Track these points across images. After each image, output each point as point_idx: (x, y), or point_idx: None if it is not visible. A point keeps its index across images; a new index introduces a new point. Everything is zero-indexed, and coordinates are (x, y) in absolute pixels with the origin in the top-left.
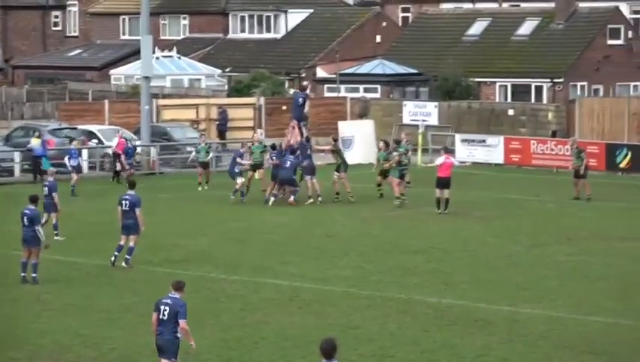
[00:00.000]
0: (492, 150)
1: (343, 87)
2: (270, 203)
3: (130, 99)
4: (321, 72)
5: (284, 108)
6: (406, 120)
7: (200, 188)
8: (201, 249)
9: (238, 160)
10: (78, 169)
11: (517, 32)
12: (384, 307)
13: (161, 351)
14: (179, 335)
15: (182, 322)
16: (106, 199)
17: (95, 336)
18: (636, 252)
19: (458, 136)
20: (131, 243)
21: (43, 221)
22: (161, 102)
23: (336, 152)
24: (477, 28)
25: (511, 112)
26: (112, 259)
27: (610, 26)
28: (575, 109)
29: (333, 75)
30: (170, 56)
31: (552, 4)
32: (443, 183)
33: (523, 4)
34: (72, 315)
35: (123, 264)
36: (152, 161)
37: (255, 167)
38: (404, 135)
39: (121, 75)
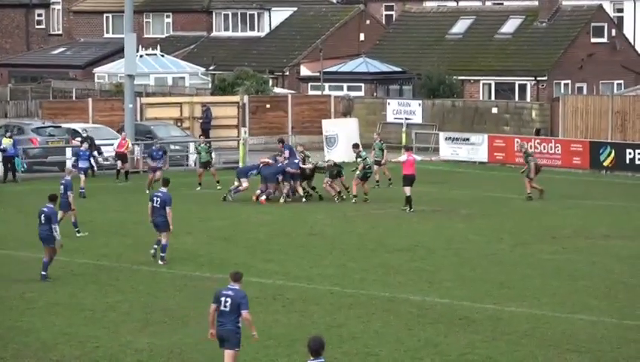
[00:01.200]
0: (476, 148)
1: (326, 85)
2: (262, 198)
3: (113, 97)
4: (304, 70)
5: (268, 106)
6: (390, 118)
7: (199, 188)
8: (186, 247)
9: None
10: (86, 171)
11: (500, 30)
12: (368, 305)
13: (223, 341)
14: (240, 326)
15: (244, 313)
16: (89, 198)
17: (79, 335)
18: (620, 250)
19: (442, 135)
20: (163, 241)
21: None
22: (145, 100)
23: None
24: (460, 26)
25: (495, 110)
26: (152, 251)
27: (593, 24)
28: (559, 107)
29: (317, 73)
30: (154, 55)
31: (536, 3)
32: (410, 180)
33: (506, 3)
34: (56, 314)
35: (159, 262)
36: (136, 160)
37: None
38: (376, 135)
39: (105, 73)
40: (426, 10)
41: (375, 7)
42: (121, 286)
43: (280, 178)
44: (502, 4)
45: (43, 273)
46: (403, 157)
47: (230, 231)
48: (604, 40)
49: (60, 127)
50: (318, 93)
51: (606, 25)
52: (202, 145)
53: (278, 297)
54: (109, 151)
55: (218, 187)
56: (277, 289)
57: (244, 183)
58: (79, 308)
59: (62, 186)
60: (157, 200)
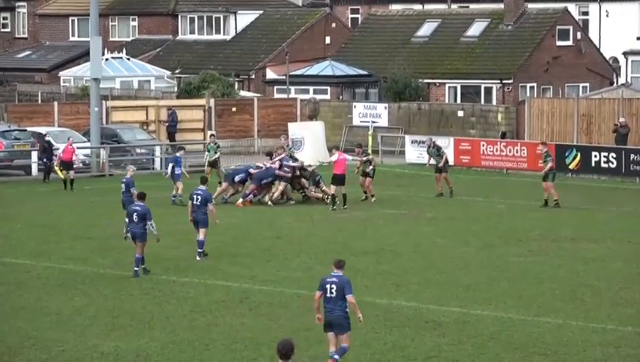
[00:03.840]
0: None
1: (292, 88)
2: (239, 201)
3: (79, 100)
4: (270, 74)
5: (234, 109)
6: (356, 121)
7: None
8: (152, 251)
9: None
10: (180, 177)
11: (466, 33)
12: None
13: (332, 326)
14: (347, 310)
15: (349, 297)
16: (54, 201)
17: (45, 339)
18: (585, 253)
19: (408, 138)
20: (201, 236)
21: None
22: (111, 103)
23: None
24: (426, 29)
25: (460, 113)
26: (199, 253)
27: (559, 27)
28: (524, 110)
29: (283, 77)
30: (120, 58)
31: (501, 6)
32: (339, 179)
33: (472, 6)
34: (23, 318)
35: (197, 257)
36: (101, 163)
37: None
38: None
39: (71, 76)
40: (391, 14)
41: (341, 11)
42: (87, 289)
43: (264, 182)
44: (467, 7)
45: (135, 269)
46: (334, 156)
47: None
48: (570, 43)
49: (25, 130)
50: (284, 96)
51: (571, 28)
52: (211, 144)
53: (245, 300)
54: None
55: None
56: (243, 292)
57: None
58: (45, 311)
59: (123, 185)
60: (197, 198)
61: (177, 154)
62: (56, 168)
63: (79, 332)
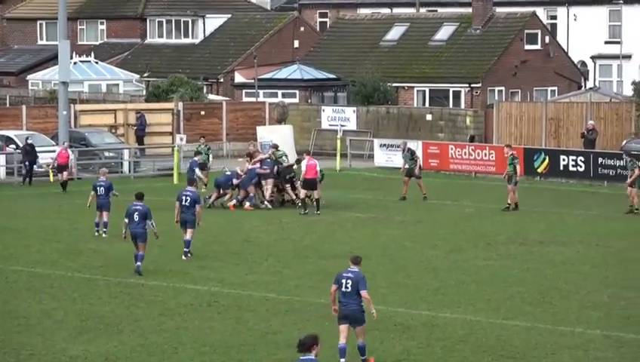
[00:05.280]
0: None
1: (261, 92)
2: (230, 203)
3: (47, 104)
4: (239, 77)
5: (203, 113)
6: (325, 125)
7: (204, 189)
8: (120, 254)
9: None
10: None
11: (434, 37)
12: (303, 312)
13: (347, 319)
14: (363, 304)
15: (363, 292)
16: (22, 205)
17: (13, 343)
18: (554, 256)
19: (377, 141)
20: (188, 236)
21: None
22: (79, 107)
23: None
24: (395, 33)
25: (429, 117)
26: (185, 253)
27: (527, 31)
28: (493, 114)
29: (252, 80)
30: (88, 62)
31: (470, 10)
32: (310, 184)
33: (440, 10)
34: None
35: (183, 257)
36: (70, 167)
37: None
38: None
39: (39, 80)
40: (360, 18)
41: (309, 14)
42: (55, 293)
43: (254, 181)
44: (436, 11)
45: (138, 264)
46: (304, 163)
47: (165, 237)
48: (538, 47)
49: None
50: (253, 100)
51: (539, 32)
52: (202, 146)
53: (214, 304)
54: (43, 158)
55: (202, 189)
56: (212, 295)
57: (222, 192)
58: (13, 315)
59: (101, 188)
60: (187, 199)
61: (195, 158)
62: (50, 171)
63: (47, 335)
